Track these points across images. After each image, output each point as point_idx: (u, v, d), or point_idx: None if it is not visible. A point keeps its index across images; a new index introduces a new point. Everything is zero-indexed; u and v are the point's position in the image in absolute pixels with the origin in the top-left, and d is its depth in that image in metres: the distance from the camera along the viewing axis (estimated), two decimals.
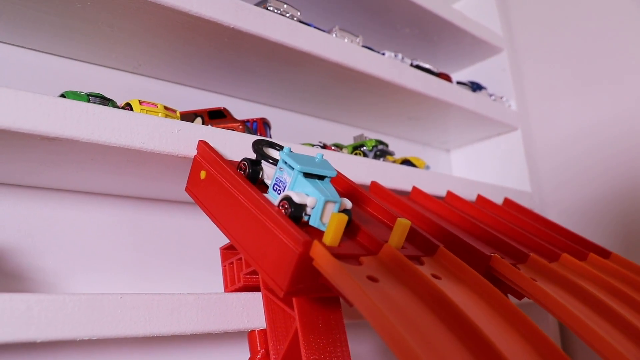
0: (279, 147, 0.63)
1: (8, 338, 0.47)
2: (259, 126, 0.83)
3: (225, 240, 0.69)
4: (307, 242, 0.46)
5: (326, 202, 0.52)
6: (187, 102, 0.92)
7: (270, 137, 0.83)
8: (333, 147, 0.93)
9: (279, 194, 0.54)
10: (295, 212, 0.51)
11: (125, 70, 0.89)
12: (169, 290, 0.83)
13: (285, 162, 0.54)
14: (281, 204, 0.52)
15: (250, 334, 0.61)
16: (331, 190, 0.53)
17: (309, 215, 0.52)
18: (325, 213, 0.52)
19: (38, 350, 0.70)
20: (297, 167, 0.53)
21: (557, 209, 1.27)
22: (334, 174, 0.55)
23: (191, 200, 0.68)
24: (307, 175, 0.53)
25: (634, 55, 1.18)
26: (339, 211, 0.53)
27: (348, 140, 1.11)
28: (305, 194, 0.52)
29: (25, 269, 0.73)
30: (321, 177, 0.54)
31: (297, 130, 1.11)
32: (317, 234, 0.51)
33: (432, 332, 0.43)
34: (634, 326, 0.58)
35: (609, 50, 1.22)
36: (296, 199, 0.51)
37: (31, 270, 0.73)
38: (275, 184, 0.55)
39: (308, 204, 0.51)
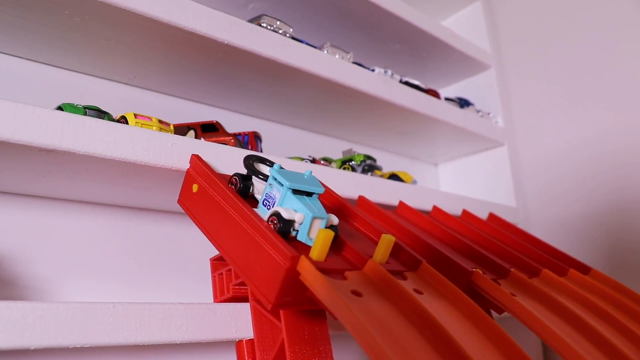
0: (270, 163, 0.64)
1: (3, 344, 0.48)
2: (250, 139, 0.84)
3: (215, 252, 0.70)
4: (295, 257, 0.48)
5: (313, 218, 0.53)
6: (179, 114, 0.94)
7: (261, 150, 0.84)
8: (322, 162, 0.95)
9: (269, 209, 0.56)
10: (283, 227, 0.53)
11: (119, 82, 0.90)
12: (159, 299, 0.85)
13: (275, 179, 0.56)
14: (270, 219, 0.54)
15: (238, 344, 0.62)
16: (319, 207, 0.55)
17: (297, 231, 0.54)
18: (313, 229, 0.54)
19: (32, 357, 0.71)
20: (286, 184, 0.54)
21: (541, 225, 1.29)
22: (321, 191, 0.57)
23: (183, 211, 0.70)
24: (295, 191, 0.55)
25: (619, 74, 1.20)
26: (326, 227, 0.55)
27: (337, 154, 1.13)
28: (294, 210, 0.54)
29: (18, 276, 0.74)
30: (309, 194, 0.56)
31: (287, 144, 1.13)
32: (305, 249, 0.53)
33: (413, 346, 0.44)
34: (610, 342, 0.60)
35: (594, 68, 1.25)
36: (285, 215, 0.53)
37: (24, 278, 0.74)
38: (265, 199, 0.57)
39: (296, 220, 0.53)
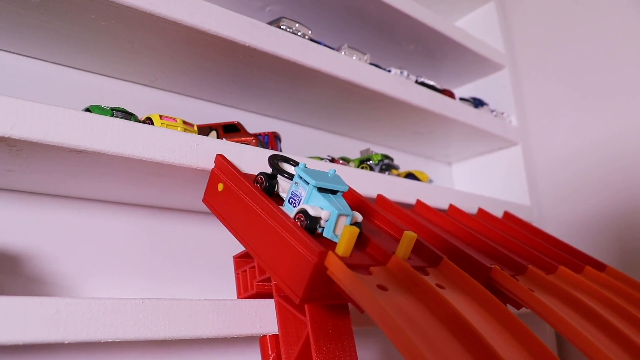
0: (294, 163, 0.66)
1: (38, 339, 0.50)
2: (270, 139, 0.86)
3: (237, 249, 0.72)
4: (322, 252, 0.49)
5: (339, 215, 0.55)
6: (200, 116, 0.96)
7: (281, 150, 0.86)
8: (341, 161, 0.96)
9: (295, 207, 0.57)
10: (310, 224, 0.54)
11: (141, 84, 0.92)
12: (182, 296, 0.86)
13: (301, 177, 0.57)
14: (297, 216, 0.55)
15: (262, 339, 0.64)
16: (343, 204, 0.57)
17: (323, 228, 0.55)
18: (338, 226, 0.55)
19: (65, 351, 0.73)
20: (312, 182, 0.56)
21: (555, 223, 1.30)
22: (345, 189, 0.58)
23: (205, 210, 0.71)
24: (321, 189, 0.56)
25: (632, 74, 1.21)
26: (351, 224, 0.56)
27: (355, 154, 1.15)
28: (320, 207, 0.55)
29: (46, 273, 0.76)
30: (334, 192, 0.58)
31: (306, 144, 1.14)
32: (331, 245, 0.54)
33: (438, 338, 0.46)
34: (627, 336, 0.61)
35: (608, 69, 1.25)
36: (311, 212, 0.54)
37: (51, 275, 0.76)
38: (290, 197, 0.58)
39: (322, 217, 0.55)
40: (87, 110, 0.65)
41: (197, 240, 0.92)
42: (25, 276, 0.74)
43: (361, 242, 0.58)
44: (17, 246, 0.75)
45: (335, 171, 0.60)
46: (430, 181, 1.08)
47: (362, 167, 0.99)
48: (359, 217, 0.58)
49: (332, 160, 0.93)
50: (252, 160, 0.73)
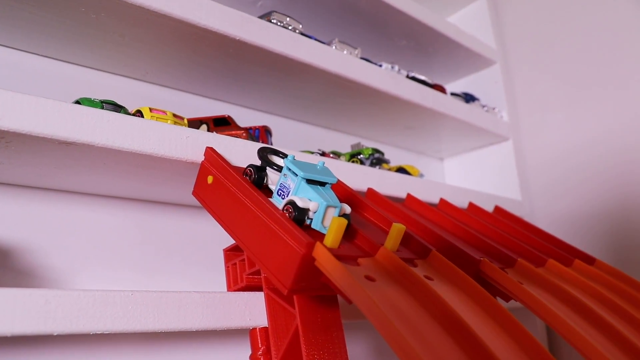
0: (283, 155, 0.66)
1: (27, 330, 0.50)
2: (260, 133, 0.86)
3: (227, 242, 0.72)
4: (310, 243, 0.49)
5: (327, 207, 0.55)
6: (191, 110, 0.96)
7: (272, 144, 0.86)
8: (331, 155, 0.96)
9: (283, 198, 0.57)
10: (298, 215, 0.54)
11: (132, 78, 0.92)
12: (172, 289, 0.86)
13: (290, 169, 0.58)
14: (285, 208, 0.55)
15: (252, 332, 0.64)
16: (332, 196, 0.57)
17: (311, 219, 0.56)
18: (326, 217, 0.55)
19: (54, 343, 0.73)
20: (300, 173, 0.56)
21: (547, 219, 1.30)
22: (334, 181, 0.58)
23: (195, 203, 0.71)
24: (309, 181, 0.56)
25: (625, 71, 1.21)
26: (339, 215, 0.56)
27: (346, 148, 1.15)
28: (308, 199, 0.56)
29: (35, 267, 0.76)
30: (322, 184, 0.58)
31: (297, 138, 1.14)
32: (319, 236, 0.54)
33: (425, 328, 0.46)
34: (615, 328, 0.62)
35: (600, 64, 1.26)
36: (300, 203, 0.54)
37: (41, 269, 0.76)
38: (279, 189, 0.59)
39: (310, 209, 0.55)
40: (77, 102, 0.65)
41: (188, 233, 0.92)
42: (15, 270, 0.74)
43: (350, 233, 0.59)
44: (6, 239, 0.74)
45: (324, 163, 0.60)
46: (421, 176, 1.08)
47: (353, 161, 0.99)
48: (348, 209, 0.58)
49: (323, 154, 0.93)
50: (241, 154, 0.72)
